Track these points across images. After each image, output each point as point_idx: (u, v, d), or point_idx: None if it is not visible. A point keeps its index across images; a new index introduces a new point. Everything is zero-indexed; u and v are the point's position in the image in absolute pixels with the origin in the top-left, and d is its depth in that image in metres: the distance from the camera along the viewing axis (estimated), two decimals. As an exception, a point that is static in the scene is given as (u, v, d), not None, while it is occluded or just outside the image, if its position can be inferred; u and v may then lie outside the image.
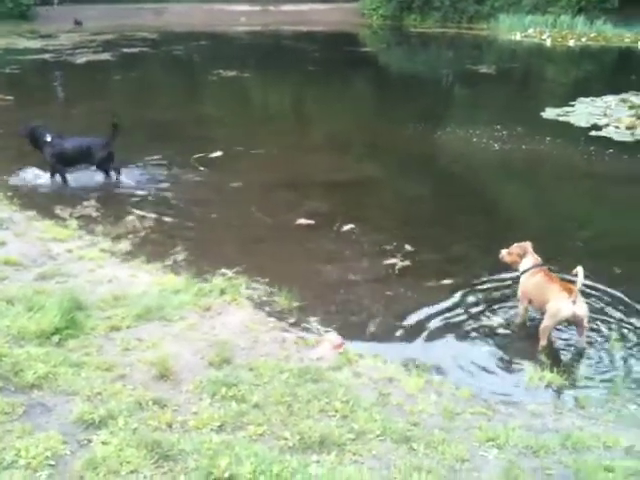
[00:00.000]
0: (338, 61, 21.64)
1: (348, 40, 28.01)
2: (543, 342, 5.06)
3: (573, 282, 5.03)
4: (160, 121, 12.56)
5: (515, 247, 5.60)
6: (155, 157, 9.80)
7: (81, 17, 29.40)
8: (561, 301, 4.95)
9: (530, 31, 27.57)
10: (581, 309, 4.95)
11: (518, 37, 27.19)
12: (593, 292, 5.87)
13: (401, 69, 22.21)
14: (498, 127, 12.04)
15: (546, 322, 5.05)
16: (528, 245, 5.56)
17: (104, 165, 8.52)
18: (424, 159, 10.47)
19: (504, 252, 5.68)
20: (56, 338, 4.23)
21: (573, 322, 5.06)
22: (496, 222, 7.69)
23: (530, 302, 5.37)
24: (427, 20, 30.89)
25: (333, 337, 4.91)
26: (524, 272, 5.44)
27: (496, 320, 5.50)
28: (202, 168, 9.26)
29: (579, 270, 4.90)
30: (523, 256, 5.51)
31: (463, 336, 5.24)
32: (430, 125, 12.46)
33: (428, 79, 19.64)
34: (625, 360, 4.95)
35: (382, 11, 31.85)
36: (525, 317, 5.44)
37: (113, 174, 8.67)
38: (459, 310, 5.62)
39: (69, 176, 8.62)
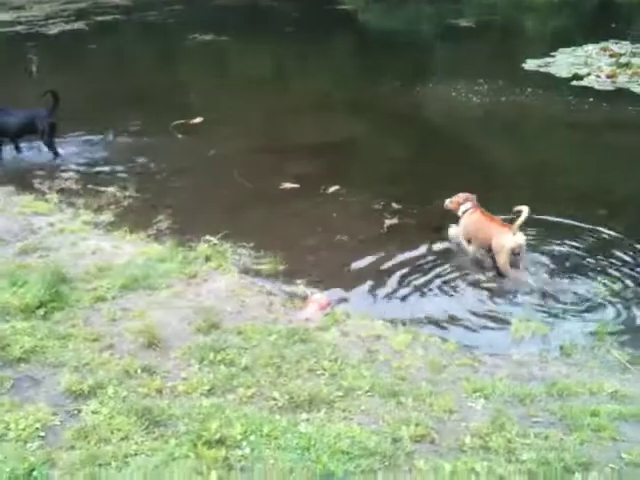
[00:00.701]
0: (316, 20, 21.26)
1: (326, -1, 27.52)
2: (510, 275, 5.38)
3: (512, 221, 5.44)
4: (137, 88, 12.34)
5: (459, 196, 5.96)
6: (133, 125, 9.67)
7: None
8: (504, 235, 5.37)
9: (509, -18, 27.19)
10: (521, 239, 5.38)
11: (497, -12, 26.81)
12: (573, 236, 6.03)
13: (381, 26, 21.87)
14: (479, 81, 11.94)
15: (499, 259, 5.41)
16: (472, 197, 5.91)
17: (47, 136, 8.29)
18: (407, 116, 10.38)
19: (447, 201, 6.04)
20: (41, 311, 4.22)
21: (516, 253, 5.39)
22: (480, 174, 7.65)
23: (470, 241, 5.75)
24: (405, -26, 30.36)
25: (320, 297, 4.94)
26: (464, 213, 5.84)
27: (481, 273, 5.53)
28: (180, 135, 9.14)
29: (524, 208, 5.29)
30: (463, 203, 5.88)
31: (450, 290, 5.28)
32: (412, 81, 12.35)
33: (408, 35, 19.37)
34: (609, 307, 5.01)
35: (359, -33, 31.27)
36: (474, 254, 5.73)
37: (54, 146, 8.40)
38: (445, 265, 5.66)
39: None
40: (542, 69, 12.99)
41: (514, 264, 5.42)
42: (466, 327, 4.77)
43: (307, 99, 11.70)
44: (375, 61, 15.02)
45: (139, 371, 3.65)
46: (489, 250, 5.55)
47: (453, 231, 5.98)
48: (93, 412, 3.23)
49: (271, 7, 25.83)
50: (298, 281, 5.32)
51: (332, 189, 7.26)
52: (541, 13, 23.23)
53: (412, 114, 10.59)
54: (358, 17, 24.25)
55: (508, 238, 5.33)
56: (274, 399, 3.47)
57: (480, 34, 18.42)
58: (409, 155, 8.30)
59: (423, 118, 10.61)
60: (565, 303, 5.10)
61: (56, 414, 3.20)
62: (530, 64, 13.34)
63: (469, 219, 5.79)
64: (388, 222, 6.44)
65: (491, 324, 4.83)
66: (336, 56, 16.92)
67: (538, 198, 6.55)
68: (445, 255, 5.82)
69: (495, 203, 6.11)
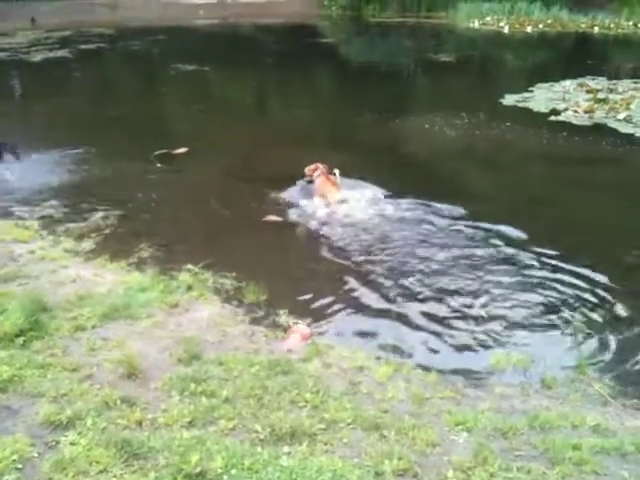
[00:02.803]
0: (298, 53, 21.58)
1: (308, 31, 27.89)
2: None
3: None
4: (119, 117, 12.39)
5: (314, 165, 8.20)
6: (115, 153, 9.65)
7: (35, 14, 28.73)
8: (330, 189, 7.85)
9: (488, 19, 27.80)
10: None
11: (476, 25, 27.40)
12: (552, 268, 6.12)
13: (361, 59, 22.20)
14: (458, 115, 12.14)
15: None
16: (323, 167, 8.16)
17: None
18: (384, 148, 10.49)
19: (306, 169, 8.24)
20: (20, 340, 4.16)
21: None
22: (460, 204, 7.75)
23: (321, 196, 7.87)
24: (386, 10, 30.89)
25: (302, 328, 4.93)
26: (317, 177, 8.08)
27: (461, 303, 5.56)
28: (159, 165, 9.14)
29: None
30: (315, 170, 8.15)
31: (431, 321, 5.28)
32: (392, 114, 12.51)
33: (389, 69, 19.68)
34: (589, 340, 5.05)
35: (341, 2, 31.74)
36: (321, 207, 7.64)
37: None
38: (425, 295, 5.68)
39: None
40: (520, 104, 13.24)
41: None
42: (448, 359, 4.76)
43: (287, 130, 11.82)
44: (355, 93, 15.24)
45: (119, 402, 3.59)
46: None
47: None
48: (71, 443, 3.16)
49: (253, 39, 26.18)
50: (280, 311, 5.29)
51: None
52: (519, 49, 23.77)
53: (390, 146, 10.69)
54: (339, 50, 24.61)
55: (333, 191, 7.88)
56: (256, 431, 3.43)
57: (459, 69, 18.78)
58: (386, 188, 8.33)
59: (401, 150, 10.70)
60: (545, 335, 5.13)
61: (34, 445, 3.13)
62: (508, 99, 13.60)
63: (318, 181, 8.09)
64: (366, 256, 6.46)
65: (473, 356, 4.83)
66: (316, 88, 17.15)
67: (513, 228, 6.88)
68: (424, 287, 5.83)
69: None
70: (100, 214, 7.22)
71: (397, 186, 8.32)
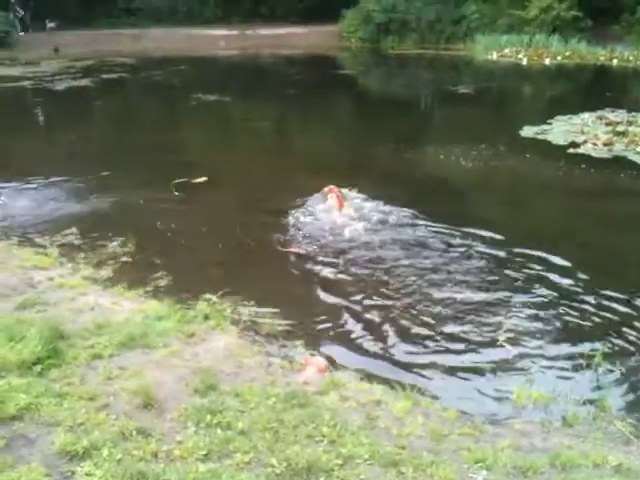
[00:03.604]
0: (317, 84, 21.82)
1: (327, 63, 28.26)
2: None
3: None
4: (140, 146, 12.56)
5: (328, 188, 8.83)
6: (135, 182, 9.76)
7: (60, 43, 29.42)
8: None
9: (506, 51, 27.99)
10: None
11: (495, 57, 27.59)
12: (572, 301, 6.02)
13: (380, 90, 22.42)
14: (476, 146, 12.15)
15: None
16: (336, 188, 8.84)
17: None
18: (402, 177, 10.51)
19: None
20: (38, 368, 4.16)
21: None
22: (476, 233, 7.73)
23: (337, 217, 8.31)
24: (405, 42, 31.26)
25: (319, 360, 4.89)
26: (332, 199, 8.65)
27: (481, 335, 5.50)
28: (177, 193, 9.22)
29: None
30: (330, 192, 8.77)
31: (450, 355, 5.21)
32: (409, 144, 12.57)
33: (407, 100, 19.84)
34: (612, 376, 4.96)
35: (360, 34, 32.20)
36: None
37: None
38: (445, 327, 5.62)
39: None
40: (539, 136, 13.23)
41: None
42: (467, 393, 4.70)
43: (306, 159, 11.91)
44: (373, 123, 15.34)
45: (134, 433, 3.58)
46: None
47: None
48: (87, 474, 3.15)
49: (273, 69, 26.54)
50: (297, 342, 5.27)
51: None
52: (538, 81, 23.85)
53: (406, 176, 10.70)
54: (358, 81, 24.87)
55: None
56: (272, 466, 3.39)
57: (478, 100, 18.86)
58: (401, 216, 8.31)
59: (416, 180, 10.68)
60: (567, 369, 5.05)
61: (49, 475, 3.13)
62: (527, 131, 13.60)
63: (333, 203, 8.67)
64: (387, 289, 6.41)
65: (492, 391, 4.75)
66: (335, 118, 17.28)
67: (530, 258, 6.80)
68: (444, 321, 5.78)
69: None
70: (119, 242, 7.26)
71: (412, 214, 8.35)
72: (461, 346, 5.34)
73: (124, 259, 6.89)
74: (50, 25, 31.71)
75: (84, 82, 21.28)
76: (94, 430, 3.56)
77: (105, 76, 22.53)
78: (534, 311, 5.92)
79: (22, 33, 30.81)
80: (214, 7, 36.02)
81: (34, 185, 9.75)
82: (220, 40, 32.49)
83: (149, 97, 20.38)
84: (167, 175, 9.87)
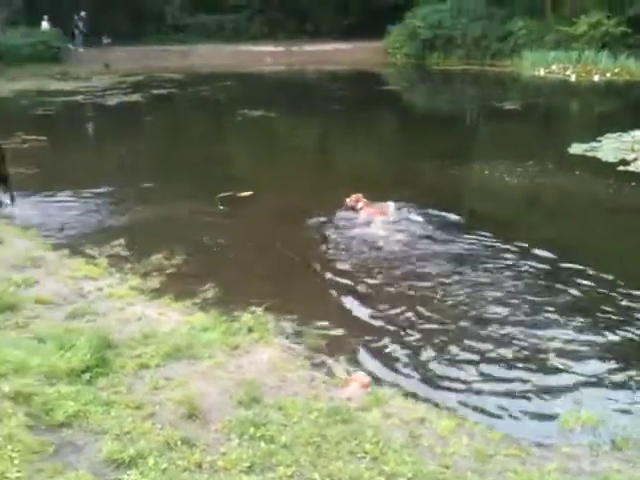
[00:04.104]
0: (362, 99, 21.87)
1: (372, 78, 28.34)
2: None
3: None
4: (187, 160, 12.77)
5: (355, 196, 9.12)
6: (183, 195, 9.93)
7: (110, 59, 30.25)
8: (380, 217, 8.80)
9: (554, 67, 27.63)
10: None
11: (542, 73, 27.27)
12: (623, 322, 5.88)
13: (425, 106, 22.39)
14: (522, 162, 12.00)
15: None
16: (360, 196, 9.14)
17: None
18: (445, 193, 10.44)
19: (348, 200, 9.15)
20: (86, 376, 4.25)
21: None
22: (523, 249, 7.64)
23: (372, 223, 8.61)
24: (450, 58, 31.14)
25: (362, 376, 4.87)
26: (362, 207, 9.01)
27: (529, 353, 5.40)
28: (221, 207, 9.32)
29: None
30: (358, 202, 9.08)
31: (496, 373, 5.13)
32: (453, 160, 12.47)
33: (452, 116, 19.74)
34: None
35: (406, 50, 32.22)
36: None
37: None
38: (492, 344, 5.54)
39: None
40: (588, 153, 12.99)
41: None
42: (513, 413, 4.61)
43: (350, 174, 11.92)
44: (417, 139, 15.32)
45: (179, 443, 3.62)
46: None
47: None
48: (133, 483, 3.20)
49: (318, 85, 26.74)
50: (340, 357, 5.26)
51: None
52: (586, 97, 23.47)
53: (452, 193, 10.62)
54: (403, 97, 24.86)
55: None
56: (314, 480, 3.39)
57: (524, 117, 18.66)
58: (444, 230, 8.26)
59: (462, 196, 10.62)
60: (617, 392, 4.92)
61: (97, 483, 3.19)
62: (576, 148, 13.37)
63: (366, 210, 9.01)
64: (430, 305, 6.36)
65: (539, 412, 4.66)
66: (379, 133, 17.30)
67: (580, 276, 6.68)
68: (489, 340, 5.70)
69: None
70: (166, 253, 7.37)
71: (456, 229, 8.34)
72: (507, 365, 5.26)
73: (171, 270, 7.02)
74: (106, 41, 32.71)
75: (134, 97, 21.80)
76: (140, 439, 3.61)
77: (154, 91, 23.03)
78: (583, 331, 5.80)
79: (82, 50, 31.81)
80: (260, 24, 36.54)
81: (85, 196, 10.02)
82: (266, 56, 32.90)
83: (196, 112, 20.74)
84: (213, 188, 10.01)
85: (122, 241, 7.80)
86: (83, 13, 32.28)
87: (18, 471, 3.19)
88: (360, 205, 9.08)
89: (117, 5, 32.94)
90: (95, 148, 15.40)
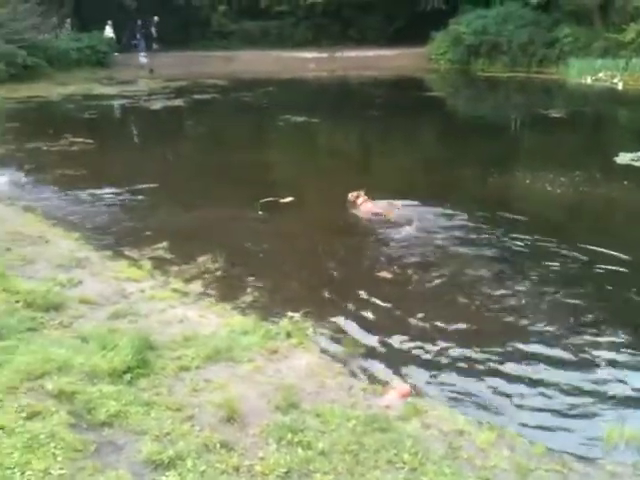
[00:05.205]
0: (405, 105, 21.76)
1: (415, 84, 28.19)
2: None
3: None
4: (229, 165, 12.87)
5: (357, 193, 9.54)
6: (224, 200, 10.01)
7: (155, 64, 30.79)
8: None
9: (600, 75, 27.05)
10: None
11: (589, 81, 26.74)
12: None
13: (469, 113, 22.15)
14: (566, 172, 11.75)
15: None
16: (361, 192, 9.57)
17: None
18: (486, 201, 10.28)
19: (350, 195, 9.62)
20: (128, 377, 4.30)
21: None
22: (567, 258, 7.53)
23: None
24: (495, 64, 30.77)
25: (400, 385, 4.83)
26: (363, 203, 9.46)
27: (575, 366, 5.29)
28: (261, 212, 9.37)
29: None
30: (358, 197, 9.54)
31: (539, 385, 5.02)
32: (495, 168, 12.28)
33: (497, 123, 19.49)
34: None
35: (450, 56, 31.94)
36: None
37: None
38: (536, 356, 5.43)
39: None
40: (635, 163, 12.66)
41: None
42: (556, 427, 4.51)
43: (393, 180, 11.86)
44: (459, 146, 15.10)
45: (218, 446, 3.64)
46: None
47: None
48: (172, 484, 3.23)
49: (361, 91, 26.73)
50: (379, 366, 5.23)
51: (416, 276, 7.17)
52: (634, 106, 22.93)
53: (490, 199, 10.45)
54: (446, 103, 24.67)
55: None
56: (352, 489, 3.37)
57: (570, 125, 18.31)
58: (499, 244, 8.13)
59: (504, 205, 10.37)
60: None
61: (136, 483, 3.22)
62: (623, 158, 13.04)
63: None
64: (478, 318, 6.25)
65: (583, 426, 4.54)
66: (421, 140, 17.21)
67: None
68: (534, 352, 5.59)
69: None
70: (207, 257, 7.43)
71: (497, 237, 8.28)
72: (550, 377, 5.14)
73: (212, 274, 7.07)
74: (155, 47, 33.38)
75: (177, 102, 22.12)
76: (179, 440, 3.65)
77: (197, 96, 23.32)
78: (632, 342, 5.64)
79: (141, 53, 32.52)
80: (304, 30, 36.70)
81: (129, 198, 10.23)
82: (310, 62, 33.02)
83: (239, 117, 20.91)
84: (254, 194, 10.06)
85: (164, 244, 7.91)
86: (156, 18, 33.01)
87: (61, 468, 3.24)
88: (360, 201, 9.49)
89: (165, 12, 33.50)
90: (139, 151, 15.65)
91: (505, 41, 30.36)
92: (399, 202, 9.50)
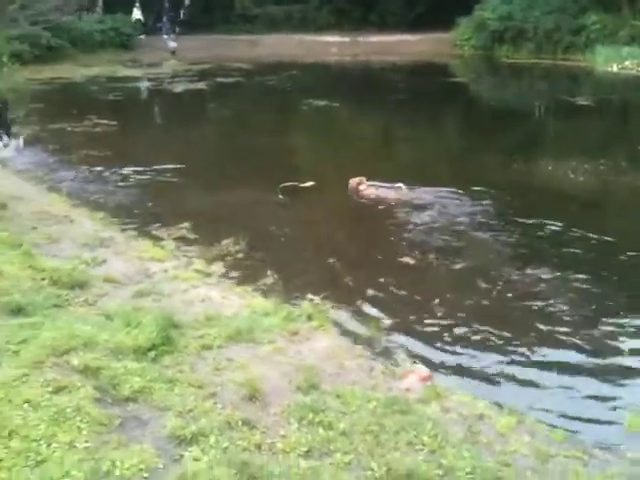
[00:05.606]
0: (427, 91, 21.58)
1: (438, 70, 27.89)
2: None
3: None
4: (251, 148, 12.88)
5: (359, 179, 9.54)
6: (246, 184, 10.03)
7: (179, 47, 30.81)
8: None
9: (627, 63, 26.59)
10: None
11: (615, 69, 26.29)
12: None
13: (492, 99, 21.91)
14: (591, 160, 11.60)
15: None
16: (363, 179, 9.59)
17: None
18: (517, 190, 10.17)
19: (351, 181, 9.57)
20: (152, 354, 4.35)
21: None
22: (596, 253, 7.43)
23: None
24: (520, 51, 30.33)
25: (420, 369, 4.85)
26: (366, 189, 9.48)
27: (595, 358, 5.26)
28: (281, 197, 9.39)
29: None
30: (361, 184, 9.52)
31: (561, 371, 5.01)
32: (518, 155, 12.17)
33: (521, 110, 19.26)
34: None
35: (474, 41, 31.54)
36: None
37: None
38: (560, 341, 5.43)
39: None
40: (663, 152, 12.50)
41: None
42: (577, 413, 4.50)
43: (414, 166, 11.83)
44: (482, 133, 14.96)
45: (240, 423, 3.68)
46: None
47: None
48: (194, 459, 3.27)
49: (383, 76, 26.54)
50: (399, 349, 5.25)
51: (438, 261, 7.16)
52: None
53: (524, 190, 10.35)
54: (469, 89, 24.43)
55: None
56: (371, 469, 3.40)
57: (596, 113, 18.03)
58: (526, 233, 8.06)
59: (527, 191, 10.30)
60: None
61: (160, 457, 3.26)
62: (649, 146, 12.88)
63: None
64: (497, 301, 6.24)
65: (605, 413, 4.53)
66: (443, 125, 17.08)
67: None
68: (557, 336, 5.57)
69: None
70: (229, 239, 7.48)
71: (519, 224, 8.23)
72: (572, 363, 5.14)
73: (234, 256, 7.14)
74: (179, 30, 33.44)
75: (201, 85, 22.12)
76: (202, 417, 3.69)
77: (221, 80, 23.30)
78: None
79: (166, 36, 32.59)
80: (327, 14, 36.45)
81: (152, 179, 10.32)
82: (332, 47, 32.82)
83: (262, 101, 20.90)
84: (276, 177, 10.07)
85: (187, 225, 7.97)
86: (187, 0, 33.04)
87: (86, 441, 3.30)
88: (363, 187, 9.52)
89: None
90: (162, 133, 15.73)
91: (531, 27, 29.88)
92: (402, 185, 9.51)
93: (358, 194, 9.51)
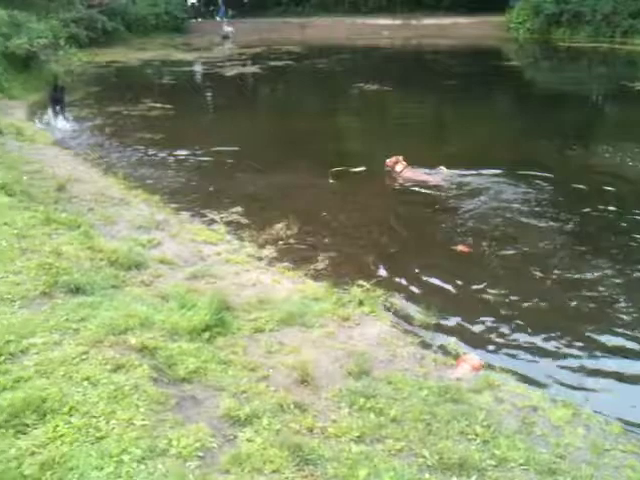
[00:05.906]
0: (481, 75, 21.19)
1: (492, 54, 27.37)
2: None
3: None
4: (302, 132, 12.92)
5: (395, 158, 9.52)
6: (296, 168, 10.06)
7: (230, 31, 31.02)
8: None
9: (690, 46, 25.60)
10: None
11: (676, 53, 25.33)
12: None
13: (548, 84, 21.37)
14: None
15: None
16: (400, 158, 9.54)
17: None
18: (573, 176, 9.91)
19: (388, 160, 9.60)
20: (206, 335, 4.44)
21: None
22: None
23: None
24: (577, 34, 29.49)
25: (472, 358, 4.80)
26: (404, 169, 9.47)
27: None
28: (332, 181, 9.37)
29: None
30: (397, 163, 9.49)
31: (615, 366, 4.90)
32: (573, 141, 11.88)
33: (578, 94, 18.73)
34: None
35: (529, 25, 30.80)
36: None
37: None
38: (613, 337, 5.29)
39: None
40: None
41: None
42: (634, 408, 4.40)
43: (467, 150, 11.60)
44: (537, 118, 14.60)
45: (292, 406, 3.72)
46: None
47: None
48: (248, 440, 3.33)
49: (435, 60, 26.16)
50: (451, 337, 5.20)
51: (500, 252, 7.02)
52: None
53: (574, 173, 10.10)
54: (524, 74, 23.89)
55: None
56: (423, 457, 3.40)
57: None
58: (581, 221, 7.86)
59: (583, 178, 10.01)
60: None
61: (214, 436, 3.33)
62: None
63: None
64: (555, 292, 6.09)
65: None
66: (497, 110, 16.78)
67: None
68: (612, 326, 5.43)
69: None
70: (281, 224, 7.51)
71: (571, 210, 8.06)
72: (629, 360, 5.01)
73: (285, 240, 7.17)
74: (232, 13, 33.65)
75: (253, 68, 22.24)
76: (255, 399, 3.75)
77: (272, 63, 23.37)
78: None
79: (220, 19, 32.92)
80: (379, -3, 36.09)
81: (203, 162, 10.46)
82: (383, 29, 32.52)
83: (312, 85, 20.87)
84: (327, 161, 10.10)
85: (239, 209, 8.06)
86: None
87: (143, 419, 3.38)
88: (399, 168, 9.44)
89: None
90: (216, 117, 15.88)
91: (588, 11, 29.00)
92: (444, 167, 9.42)
93: (396, 174, 9.47)
